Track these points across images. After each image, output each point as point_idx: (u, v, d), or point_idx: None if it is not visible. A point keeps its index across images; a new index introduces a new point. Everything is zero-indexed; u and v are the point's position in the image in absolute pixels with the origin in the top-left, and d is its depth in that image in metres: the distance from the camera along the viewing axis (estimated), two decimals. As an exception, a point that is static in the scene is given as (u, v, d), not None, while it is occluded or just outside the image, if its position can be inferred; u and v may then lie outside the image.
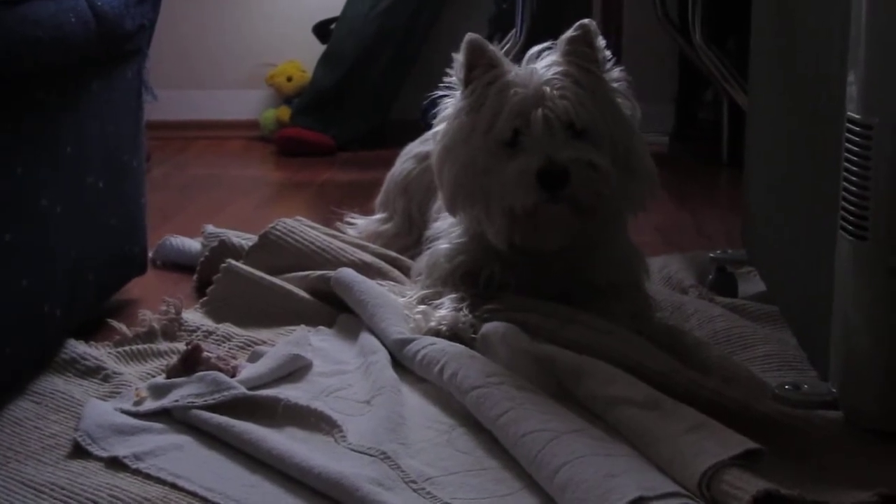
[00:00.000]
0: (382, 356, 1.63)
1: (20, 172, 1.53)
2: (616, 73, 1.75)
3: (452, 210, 1.78)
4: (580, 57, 1.71)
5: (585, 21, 1.73)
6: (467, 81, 1.74)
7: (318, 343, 1.73)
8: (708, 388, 1.40)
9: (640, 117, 1.76)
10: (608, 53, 1.74)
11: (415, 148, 2.20)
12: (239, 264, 1.94)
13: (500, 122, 1.68)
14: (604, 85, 1.72)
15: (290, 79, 3.81)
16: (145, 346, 1.72)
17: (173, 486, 1.29)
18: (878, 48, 1.29)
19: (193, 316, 1.85)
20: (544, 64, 1.71)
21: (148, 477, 1.31)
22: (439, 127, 1.78)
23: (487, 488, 1.28)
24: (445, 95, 1.79)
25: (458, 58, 1.75)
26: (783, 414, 1.37)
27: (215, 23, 3.95)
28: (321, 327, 1.81)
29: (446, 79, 1.79)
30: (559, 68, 1.70)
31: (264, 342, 1.73)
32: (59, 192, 1.64)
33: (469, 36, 1.74)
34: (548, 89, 1.67)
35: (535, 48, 1.75)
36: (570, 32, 1.73)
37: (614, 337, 1.58)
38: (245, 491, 1.27)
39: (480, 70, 1.73)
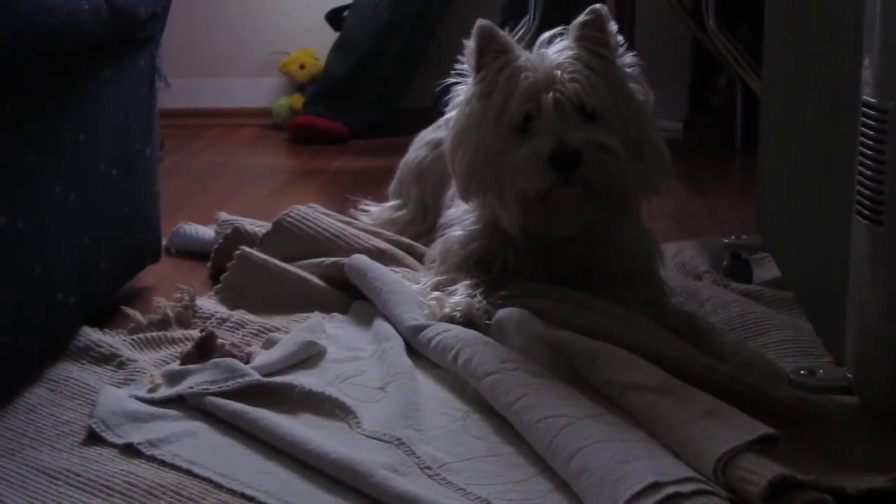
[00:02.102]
0: (397, 343, 1.63)
1: (33, 160, 1.53)
2: (628, 58, 1.74)
3: (466, 197, 1.77)
4: (592, 41, 1.71)
5: (597, 6, 1.72)
6: (478, 67, 1.74)
7: (333, 330, 1.73)
8: (723, 373, 1.40)
9: (653, 102, 1.75)
10: (620, 38, 1.74)
11: (428, 135, 2.19)
12: (253, 251, 1.94)
13: (511, 106, 1.67)
14: (616, 69, 1.72)
15: (302, 66, 3.80)
16: (160, 333, 1.72)
17: (188, 473, 1.29)
18: (893, 32, 1.28)
19: (207, 303, 1.85)
20: (555, 49, 1.71)
21: (163, 463, 1.32)
22: (451, 114, 1.78)
23: (502, 474, 1.28)
24: (457, 82, 1.79)
25: (469, 44, 1.74)
26: (798, 399, 1.37)
27: (228, 10, 3.95)
28: (335, 314, 1.81)
29: (458, 66, 1.78)
30: (570, 52, 1.69)
31: (278, 329, 1.74)
32: (72, 179, 1.64)
33: (479, 22, 1.73)
34: (558, 73, 1.66)
35: (547, 34, 1.74)
36: (581, 17, 1.72)
37: (628, 323, 1.58)
38: (260, 477, 1.28)
39: (491, 56, 1.72)
